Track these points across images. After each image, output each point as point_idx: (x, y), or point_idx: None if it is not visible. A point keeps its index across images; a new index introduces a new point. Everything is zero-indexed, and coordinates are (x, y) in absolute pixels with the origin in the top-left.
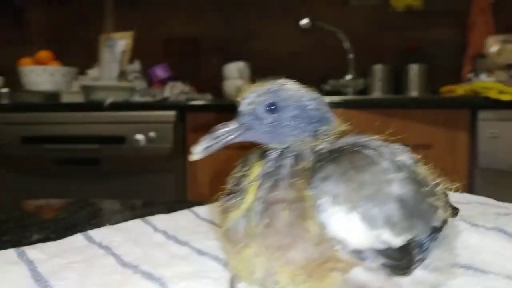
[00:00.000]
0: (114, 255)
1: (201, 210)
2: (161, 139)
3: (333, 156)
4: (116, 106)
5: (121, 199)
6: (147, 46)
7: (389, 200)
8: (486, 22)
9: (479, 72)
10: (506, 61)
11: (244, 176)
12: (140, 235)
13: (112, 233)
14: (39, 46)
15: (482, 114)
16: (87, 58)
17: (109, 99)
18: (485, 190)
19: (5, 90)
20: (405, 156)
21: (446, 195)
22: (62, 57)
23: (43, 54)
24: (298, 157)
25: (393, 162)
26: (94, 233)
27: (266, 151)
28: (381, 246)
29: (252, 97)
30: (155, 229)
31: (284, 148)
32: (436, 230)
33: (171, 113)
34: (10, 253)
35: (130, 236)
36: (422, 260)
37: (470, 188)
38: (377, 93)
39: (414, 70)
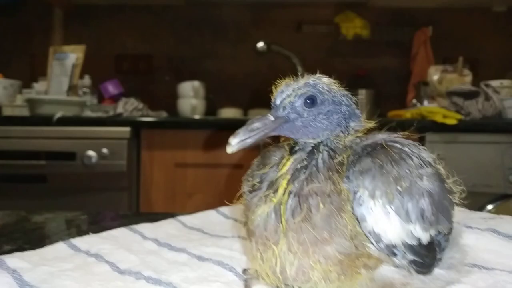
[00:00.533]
0: (108, 262)
1: (187, 219)
2: (115, 156)
3: (368, 150)
4: (66, 121)
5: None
6: (98, 62)
7: (422, 195)
8: (427, 53)
9: (422, 98)
10: (446, 89)
11: (267, 172)
12: (130, 243)
13: (98, 241)
14: None
15: (430, 137)
16: (33, 71)
17: (58, 113)
18: None
19: None
20: (426, 154)
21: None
22: (4, 70)
23: None
24: (332, 151)
25: (421, 158)
26: (78, 241)
27: (294, 146)
28: (412, 242)
29: (289, 90)
30: (144, 237)
31: (318, 143)
32: (450, 229)
33: (126, 129)
34: None
35: (119, 244)
36: (440, 259)
37: None
38: None
39: (362, 95)
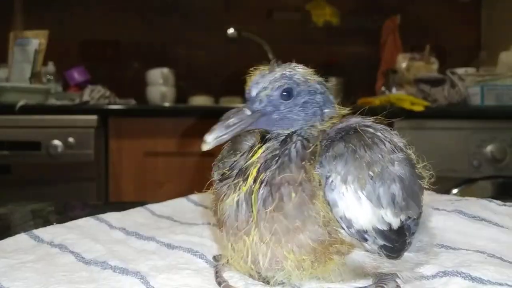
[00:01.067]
0: (72, 253)
1: (156, 207)
2: (82, 145)
3: (341, 134)
4: (29, 110)
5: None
6: (62, 48)
7: (393, 180)
8: (395, 41)
9: (391, 85)
10: (413, 76)
11: (237, 160)
12: (97, 233)
13: (62, 232)
14: None
15: (398, 124)
16: None
17: (21, 101)
18: None
19: None
20: (398, 139)
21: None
22: None
23: None
24: (306, 141)
25: (393, 143)
26: (41, 232)
27: (266, 135)
28: (383, 227)
29: (265, 81)
30: (111, 226)
31: (292, 132)
32: (420, 214)
33: (93, 118)
34: None
35: (85, 234)
36: (410, 243)
37: None
38: None
39: (333, 83)
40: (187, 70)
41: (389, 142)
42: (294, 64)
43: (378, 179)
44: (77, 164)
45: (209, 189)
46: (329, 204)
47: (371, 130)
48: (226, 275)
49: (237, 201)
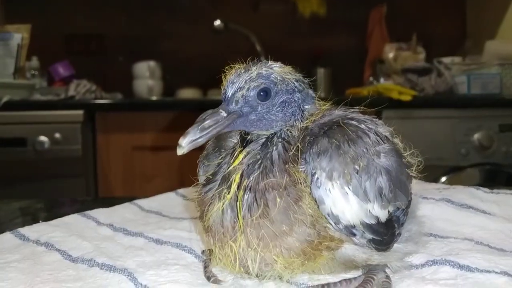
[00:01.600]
0: (58, 251)
1: (144, 202)
2: (68, 141)
3: (324, 129)
4: (14, 106)
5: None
6: (46, 42)
7: (379, 173)
8: (381, 31)
9: (379, 76)
10: (401, 66)
11: (222, 164)
12: (83, 229)
13: (48, 229)
14: None
15: (386, 113)
16: None
17: (5, 97)
18: None
19: None
20: (384, 128)
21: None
22: None
23: None
24: (287, 143)
25: (378, 134)
26: (26, 231)
27: (246, 137)
28: (370, 221)
29: (240, 81)
30: (98, 222)
31: (272, 134)
32: (409, 203)
33: (79, 113)
34: None
35: (71, 231)
36: (399, 234)
37: None
38: None
39: (320, 73)
40: (174, 63)
41: (374, 133)
42: (271, 63)
43: (364, 173)
44: (64, 160)
45: (195, 187)
46: (315, 201)
47: (354, 123)
48: (215, 269)
49: (223, 209)
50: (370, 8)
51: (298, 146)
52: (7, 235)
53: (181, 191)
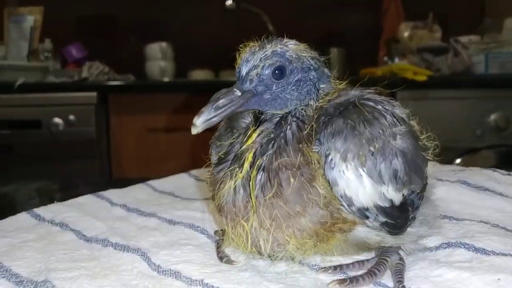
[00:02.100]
0: (73, 231)
1: (157, 183)
2: (82, 122)
3: (340, 110)
4: (28, 88)
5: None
6: (58, 24)
7: (395, 155)
8: (397, 9)
9: (393, 55)
10: (416, 45)
11: (234, 144)
12: (98, 210)
13: (63, 210)
14: None
15: (400, 94)
16: None
17: (20, 80)
18: None
19: None
20: (400, 110)
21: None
22: None
23: None
24: (301, 122)
25: (394, 115)
26: (42, 211)
27: (260, 116)
28: (384, 204)
29: (255, 59)
30: (112, 203)
31: (286, 113)
32: (424, 187)
33: (92, 95)
34: None
35: (86, 212)
36: (413, 218)
37: None
38: None
39: (334, 53)
40: (186, 44)
41: (390, 115)
42: (285, 40)
43: (379, 155)
44: (78, 141)
45: (207, 168)
46: (329, 183)
47: (371, 103)
48: (228, 250)
49: (234, 188)
50: None
51: (312, 126)
52: (24, 215)
53: (193, 172)
